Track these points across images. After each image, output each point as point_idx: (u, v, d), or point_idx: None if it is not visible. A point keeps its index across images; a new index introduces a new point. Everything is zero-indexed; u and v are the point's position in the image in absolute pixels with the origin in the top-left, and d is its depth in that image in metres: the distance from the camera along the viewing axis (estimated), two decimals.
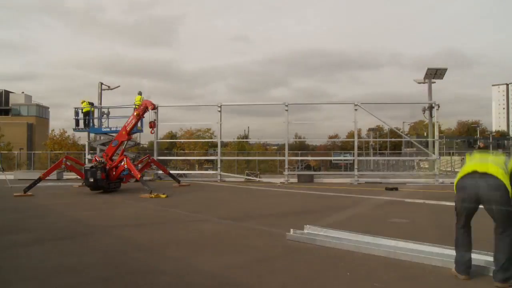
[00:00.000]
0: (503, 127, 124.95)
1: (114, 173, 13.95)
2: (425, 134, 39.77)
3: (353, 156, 19.56)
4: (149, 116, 15.43)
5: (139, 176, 13.60)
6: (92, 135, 21.69)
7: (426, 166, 26.36)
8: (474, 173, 4.07)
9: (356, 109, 18.32)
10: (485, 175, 3.98)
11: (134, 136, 17.99)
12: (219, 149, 20.57)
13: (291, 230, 6.23)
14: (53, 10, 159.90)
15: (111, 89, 24.32)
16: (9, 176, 18.08)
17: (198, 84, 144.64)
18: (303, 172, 22.63)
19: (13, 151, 36.02)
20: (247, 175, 20.44)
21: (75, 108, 20.45)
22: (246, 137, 50.55)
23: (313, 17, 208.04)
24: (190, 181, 18.28)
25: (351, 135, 42.35)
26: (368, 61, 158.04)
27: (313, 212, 9.41)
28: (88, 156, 20.86)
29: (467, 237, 4.23)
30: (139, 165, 16.13)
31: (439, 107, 18.89)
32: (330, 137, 62.64)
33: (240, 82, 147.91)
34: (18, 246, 5.71)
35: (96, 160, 14.29)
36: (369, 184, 17.97)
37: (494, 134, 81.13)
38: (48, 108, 72.04)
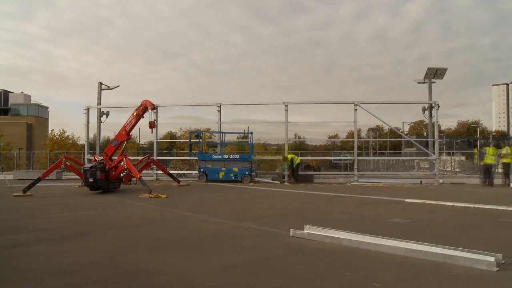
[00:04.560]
0: (503, 127, 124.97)
1: (113, 173, 13.96)
2: (425, 134, 39.75)
3: (353, 156, 19.57)
4: (148, 116, 15.47)
5: (138, 176, 13.59)
6: (91, 135, 21.73)
7: (426, 166, 26.37)
8: None
9: (356, 109, 18.33)
10: None
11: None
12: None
13: (291, 230, 6.24)
14: None
15: (111, 88, 24.34)
16: (8, 176, 18.06)
17: None
18: (303, 172, 22.64)
19: (13, 151, 36.01)
20: None
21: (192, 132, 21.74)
22: (246, 137, 50.47)
23: None
24: (190, 181, 18.28)
25: (351, 135, 42.35)
26: None
27: (312, 212, 9.41)
28: (87, 156, 20.87)
29: None
30: (139, 165, 16.15)
31: (439, 107, 18.90)
32: (330, 137, 62.82)
33: None
34: (18, 246, 5.70)
35: (95, 160, 14.30)
36: (370, 183, 17.99)
37: (494, 134, 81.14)
38: (48, 108, 72.08)
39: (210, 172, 18.30)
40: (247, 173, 18.15)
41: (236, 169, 18.24)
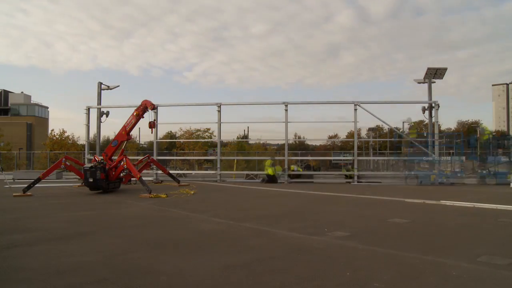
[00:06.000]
0: (503, 127, 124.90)
1: (113, 173, 13.95)
2: (425, 134, 39.60)
3: (353, 156, 19.57)
4: (148, 116, 15.49)
5: (138, 176, 13.59)
6: (91, 135, 21.72)
7: (426, 166, 26.33)
8: None
9: (356, 109, 18.33)
10: None
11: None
12: (218, 149, 20.57)
13: None
14: None
15: (111, 89, 24.30)
16: (8, 176, 18.06)
17: None
18: (303, 172, 22.63)
19: (13, 151, 35.99)
20: (247, 175, 20.46)
21: None
22: (245, 137, 50.50)
23: None
24: (190, 181, 18.27)
25: (351, 135, 42.32)
26: None
27: (312, 212, 9.41)
28: (87, 156, 20.87)
29: None
30: (139, 165, 16.17)
31: (439, 107, 18.89)
32: (330, 137, 62.76)
33: None
34: (18, 246, 5.70)
35: (95, 160, 14.30)
36: (370, 183, 17.99)
37: (494, 134, 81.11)
38: (47, 108, 71.97)
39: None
40: None
41: None
